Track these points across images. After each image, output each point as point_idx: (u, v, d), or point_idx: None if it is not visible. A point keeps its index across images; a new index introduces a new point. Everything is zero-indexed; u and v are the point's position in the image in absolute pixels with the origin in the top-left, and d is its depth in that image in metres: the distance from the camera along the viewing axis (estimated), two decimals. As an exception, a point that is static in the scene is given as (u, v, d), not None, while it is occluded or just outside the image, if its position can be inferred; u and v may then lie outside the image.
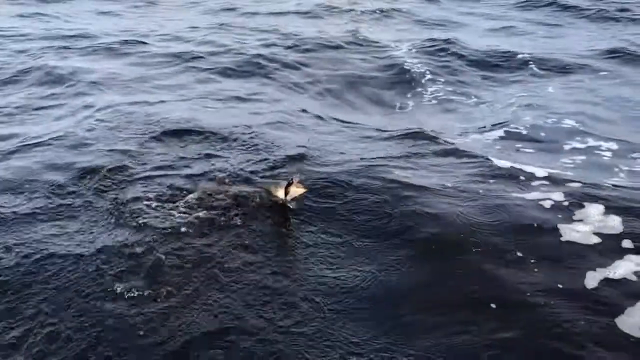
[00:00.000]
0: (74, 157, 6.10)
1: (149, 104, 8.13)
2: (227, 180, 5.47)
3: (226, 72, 10.27)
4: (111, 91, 8.93)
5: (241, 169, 5.75)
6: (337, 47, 12.21)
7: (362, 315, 3.79)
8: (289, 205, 4.89)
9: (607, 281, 4.00)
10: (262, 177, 5.57)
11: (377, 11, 16.86)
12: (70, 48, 11.86)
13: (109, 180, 5.50)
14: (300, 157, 6.04)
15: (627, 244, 4.38)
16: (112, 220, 4.79)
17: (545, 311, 3.74)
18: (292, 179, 4.84)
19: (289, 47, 12.05)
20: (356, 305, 3.87)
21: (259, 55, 11.16)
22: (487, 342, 3.52)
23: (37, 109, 8.21)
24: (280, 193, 4.87)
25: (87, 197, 5.19)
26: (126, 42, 12.39)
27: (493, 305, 3.81)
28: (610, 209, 4.85)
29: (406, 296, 3.96)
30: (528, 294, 3.90)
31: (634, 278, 4.02)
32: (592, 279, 3.99)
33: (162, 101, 8.35)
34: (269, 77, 10.00)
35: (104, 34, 13.30)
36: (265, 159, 6.03)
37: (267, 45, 12.19)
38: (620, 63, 11.03)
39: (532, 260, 4.23)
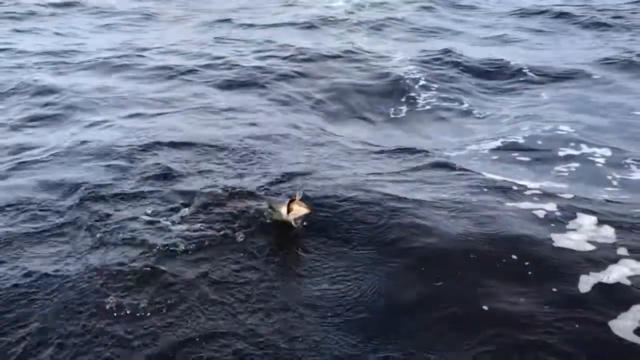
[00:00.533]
0: (68, 173, 6.13)
1: (145, 118, 8.18)
2: (223, 195, 5.49)
3: (223, 85, 10.32)
4: (107, 105, 8.97)
5: (239, 183, 5.78)
6: (333, 58, 12.23)
7: (360, 325, 3.82)
8: (292, 223, 4.83)
9: (600, 286, 4.03)
10: (260, 191, 5.58)
11: (373, 20, 16.93)
12: (66, 63, 11.91)
13: (105, 195, 5.52)
14: (297, 171, 6.07)
15: (621, 251, 4.41)
16: (107, 237, 4.80)
17: (539, 314, 3.77)
18: (294, 195, 4.78)
19: (285, 59, 12.09)
20: (354, 315, 3.91)
21: (256, 68, 11.21)
22: (482, 346, 3.56)
23: (31, 124, 8.24)
24: (282, 210, 4.78)
25: (83, 214, 5.20)
26: (122, 56, 12.43)
27: (485, 308, 3.86)
28: (603, 222, 4.87)
29: (402, 304, 3.99)
30: (522, 299, 3.94)
31: (628, 283, 4.05)
32: (585, 284, 4.02)
33: (159, 114, 8.40)
34: (266, 89, 10.03)
35: (100, 48, 13.35)
36: (263, 173, 6.06)
37: (263, 57, 12.25)
38: (613, 70, 11.09)
39: (526, 265, 4.27)
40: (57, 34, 15.40)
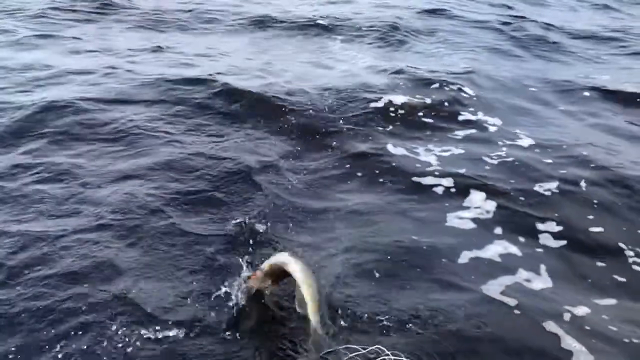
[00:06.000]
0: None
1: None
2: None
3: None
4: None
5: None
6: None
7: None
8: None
9: (477, 259, 4.97)
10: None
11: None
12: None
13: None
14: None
15: (498, 230, 5.42)
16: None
17: (422, 279, 4.63)
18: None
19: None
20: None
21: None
22: (366, 300, 4.30)
23: None
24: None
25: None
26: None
27: (377, 275, 4.64)
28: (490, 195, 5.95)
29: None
30: (409, 260, 4.85)
31: (498, 260, 5.00)
32: (464, 257, 4.96)
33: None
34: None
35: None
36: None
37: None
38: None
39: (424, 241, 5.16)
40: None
